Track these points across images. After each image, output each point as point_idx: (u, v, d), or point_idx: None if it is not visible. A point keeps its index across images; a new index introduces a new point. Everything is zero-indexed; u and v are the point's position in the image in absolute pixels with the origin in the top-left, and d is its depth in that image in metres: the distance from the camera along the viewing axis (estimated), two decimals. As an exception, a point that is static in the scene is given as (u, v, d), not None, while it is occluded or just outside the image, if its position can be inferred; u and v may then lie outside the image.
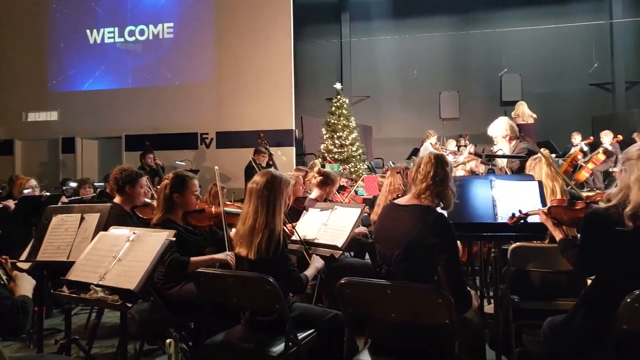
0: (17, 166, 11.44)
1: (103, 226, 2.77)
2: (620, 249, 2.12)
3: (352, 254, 4.77)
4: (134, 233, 2.53)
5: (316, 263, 3.03)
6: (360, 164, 10.25)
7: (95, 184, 6.83)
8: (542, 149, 3.33)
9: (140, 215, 3.65)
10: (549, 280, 2.90)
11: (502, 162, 4.20)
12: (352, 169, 10.00)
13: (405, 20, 13.81)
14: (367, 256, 4.64)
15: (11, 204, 4.78)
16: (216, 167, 3.82)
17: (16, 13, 11.52)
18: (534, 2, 13.05)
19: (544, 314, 2.56)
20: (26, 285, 2.06)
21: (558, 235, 2.44)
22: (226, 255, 3.05)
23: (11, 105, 11.24)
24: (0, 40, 11.48)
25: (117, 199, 3.58)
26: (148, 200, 3.88)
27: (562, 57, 12.96)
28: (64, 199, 5.18)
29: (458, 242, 3.05)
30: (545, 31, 12.89)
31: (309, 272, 2.90)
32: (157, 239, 2.46)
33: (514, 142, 4.37)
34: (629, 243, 2.09)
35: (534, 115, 9.79)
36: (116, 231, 2.63)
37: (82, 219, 2.87)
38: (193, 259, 3.01)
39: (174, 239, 2.51)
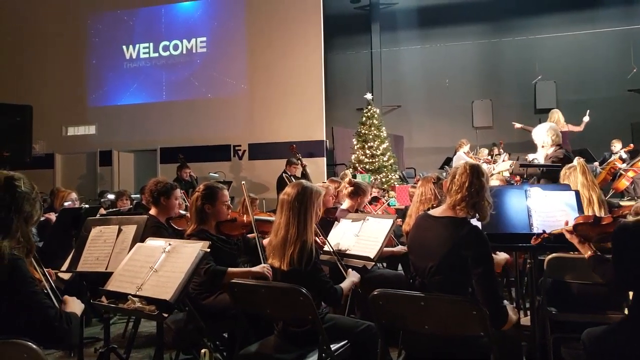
0: (57, 179, 11.84)
1: (140, 237, 2.83)
2: None
3: (385, 264, 4.75)
4: (169, 244, 2.58)
5: (352, 277, 3.01)
6: (392, 174, 10.20)
7: (131, 195, 7.01)
8: (577, 158, 3.24)
9: (176, 227, 3.72)
10: (588, 292, 2.82)
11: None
12: (384, 179, 9.95)
13: (435, 30, 13.74)
14: (399, 267, 4.60)
15: (52, 216, 4.96)
16: (243, 182, 3.90)
17: (55, 31, 11.98)
18: (568, 8, 12.79)
19: (582, 326, 2.48)
20: (74, 306, 2.13)
21: (586, 252, 2.38)
22: (262, 268, 3.06)
23: (52, 121, 11.65)
24: (40, 57, 11.92)
25: (152, 211, 3.67)
26: (183, 212, 3.96)
27: (598, 63, 12.61)
28: (102, 211, 5.33)
29: (503, 254, 3.00)
30: (580, 37, 12.60)
31: (345, 285, 2.89)
32: (192, 250, 2.50)
33: (552, 149, 4.26)
34: None
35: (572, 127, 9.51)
36: (152, 242, 2.68)
37: (119, 230, 2.94)
38: (230, 269, 3.05)
39: (209, 249, 2.54)
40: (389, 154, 10.35)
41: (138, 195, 7.05)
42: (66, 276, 2.97)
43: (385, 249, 3.75)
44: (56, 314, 1.89)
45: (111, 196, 7.25)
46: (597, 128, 11.39)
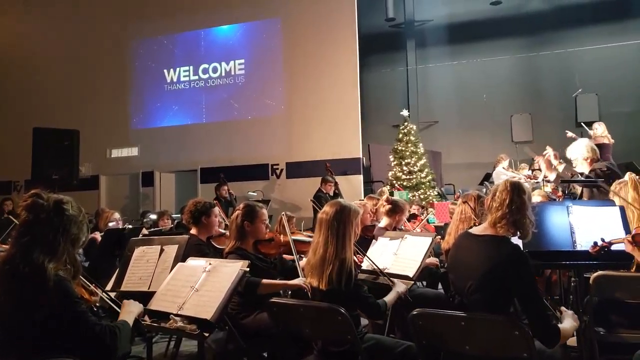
0: (102, 200, 12.24)
1: (181, 257, 2.89)
2: None
3: (425, 284, 4.68)
4: (210, 264, 2.63)
5: (398, 288, 2.98)
6: (430, 191, 10.09)
7: (172, 215, 7.18)
8: (628, 172, 3.14)
9: (216, 245, 3.79)
10: (638, 312, 2.70)
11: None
12: (422, 196, 9.85)
13: (470, 45, 13.64)
14: (439, 286, 4.53)
15: (98, 236, 5.12)
16: (283, 214, 3.85)
17: (99, 56, 12.51)
18: (606, 20, 12.48)
19: (632, 347, 2.38)
20: (130, 309, 2.21)
21: None
22: (300, 280, 3.01)
23: (97, 144, 12.07)
24: (86, 83, 12.46)
25: (193, 230, 3.75)
26: (222, 231, 4.03)
27: (640, 74, 12.23)
28: (145, 231, 5.48)
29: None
30: (619, 48, 12.26)
31: (390, 297, 2.87)
32: (232, 270, 2.54)
33: (595, 165, 4.16)
34: None
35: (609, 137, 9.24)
36: (193, 262, 2.74)
37: (161, 250, 3.01)
38: (265, 280, 3.06)
39: (248, 269, 2.58)
40: (426, 170, 10.26)
41: (179, 215, 7.22)
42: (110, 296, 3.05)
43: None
44: (102, 330, 1.95)
45: (153, 216, 7.45)
46: (643, 140, 11.00)
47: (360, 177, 10.80)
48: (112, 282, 3.10)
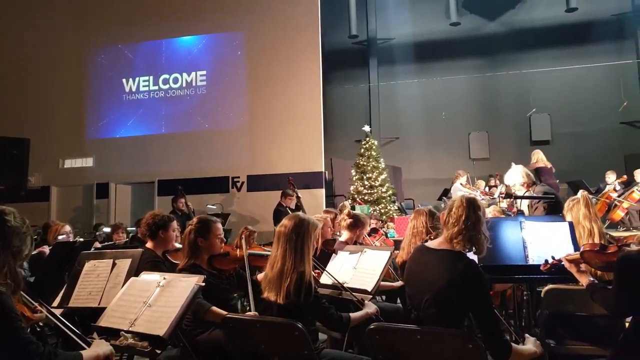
0: (52, 212, 11.76)
1: (134, 271, 2.80)
2: None
3: (384, 298, 4.69)
4: (164, 278, 2.56)
5: (368, 309, 2.93)
6: (391, 205, 10.19)
7: (128, 228, 6.96)
8: (580, 190, 3.28)
9: (172, 260, 3.69)
10: (587, 324, 2.79)
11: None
12: (382, 211, 9.94)
13: (431, 64, 14.03)
14: (399, 300, 4.54)
15: (46, 249, 4.90)
16: (244, 228, 3.81)
17: (55, 64, 12.11)
18: (560, 43, 13.11)
19: (582, 359, 2.45)
20: (96, 349, 2.09)
21: (584, 280, 2.42)
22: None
23: (49, 153, 11.65)
24: (39, 90, 12.02)
25: (149, 244, 3.64)
26: (179, 245, 3.93)
27: (591, 97, 12.87)
28: (97, 244, 5.29)
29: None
30: (572, 71, 12.87)
31: (357, 314, 2.83)
32: (186, 284, 2.47)
33: (532, 188, 4.48)
34: None
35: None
36: (147, 276, 2.65)
37: (114, 264, 2.91)
38: (214, 308, 2.92)
39: (203, 283, 2.52)
40: (387, 185, 10.37)
41: (134, 229, 7.01)
42: (57, 312, 2.92)
43: (384, 283, 3.72)
44: (37, 349, 1.85)
45: (107, 229, 7.20)
46: (591, 160, 11.52)
47: (323, 191, 10.83)
48: (60, 298, 2.97)
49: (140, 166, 11.64)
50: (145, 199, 11.58)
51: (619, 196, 8.96)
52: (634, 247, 2.23)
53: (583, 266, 2.48)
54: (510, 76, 13.34)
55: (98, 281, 2.87)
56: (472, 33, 13.86)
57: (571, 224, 2.78)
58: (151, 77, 12.02)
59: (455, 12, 13.37)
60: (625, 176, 9.59)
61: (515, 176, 4.59)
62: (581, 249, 2.51)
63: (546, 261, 2.49)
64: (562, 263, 2.47)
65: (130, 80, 12.13)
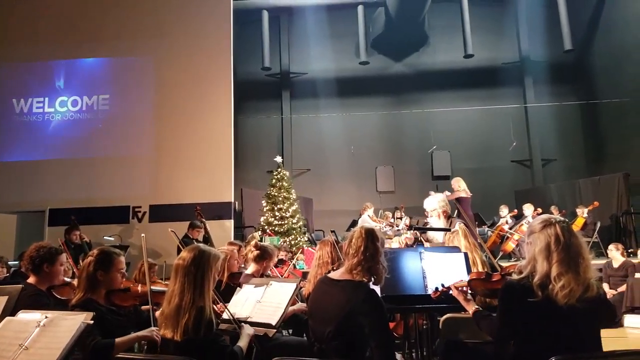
0: None
1: (11, 310, 2.52)
2: (533, 318, 2.17)
3: (291, 332, 4.61)
4: (45, 317, 2.32)
5: (246, 330, 2.90)
6: (301, 236, 10.20)
7: (9, 262, 6.33)
8: (458, 222, 3.45)
9: (58, 296, 3.37)
10: (479, 351, 2.90)
11: (433, 235, 4.32)
12: (293, 242, 9.91)
13: (342, 99, 14.49)
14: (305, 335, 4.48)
15: None
16: (143, 235, 3.57)
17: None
18: (459, 86, 14.19)
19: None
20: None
21: (470, 308, 2.50)
22: (150, 332, 2.75)
23: None
24: None
25: (31, 279, 3.31)
26: (68, 280, 3.61)
27: (487, 136, 14.01)
28: (-26, 280, 4.75)
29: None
30: (469, 112, 13.96)
31: (242, 343, 2.77)
32: (72, 323, 2.26)
33: (449, 220, 4.54)
34: (539, 312, 2.15)
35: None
36: (25, 316, 2.39)
37: (-13, 302, 2.61)
38: (118, 340, 2.77)
39: (92, 322, 2.31)
40: (298, 216, 10.38)
41: (17, 262, 6.37)
42: None
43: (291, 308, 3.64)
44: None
45: (-15, 264, 6.49)
46: (487, 194, 12.37)
47: (232, 222, 10.59)
48: None
49: (29, 193, 10.67)
50: (33, 229, 10.58)
51: (510, 229, 9.64)
52: (515, 276, 2.34)
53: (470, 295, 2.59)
54: (413, 114, 14.13)
55: (-34, 322, 2.54)
56: (379, 72, 14.59)
57: (466, 255, 2.91)
58: (46, 99, 11.22)
59: (365, 52, 13.98)
60: (515, 210, 10.37)
61: (433, 204, 4.66)
62: (468, 278, 2.61)
63: (436, 289, 2.57)
64: (451, 292, 2.55)
65: (22, 100, 11.24)
